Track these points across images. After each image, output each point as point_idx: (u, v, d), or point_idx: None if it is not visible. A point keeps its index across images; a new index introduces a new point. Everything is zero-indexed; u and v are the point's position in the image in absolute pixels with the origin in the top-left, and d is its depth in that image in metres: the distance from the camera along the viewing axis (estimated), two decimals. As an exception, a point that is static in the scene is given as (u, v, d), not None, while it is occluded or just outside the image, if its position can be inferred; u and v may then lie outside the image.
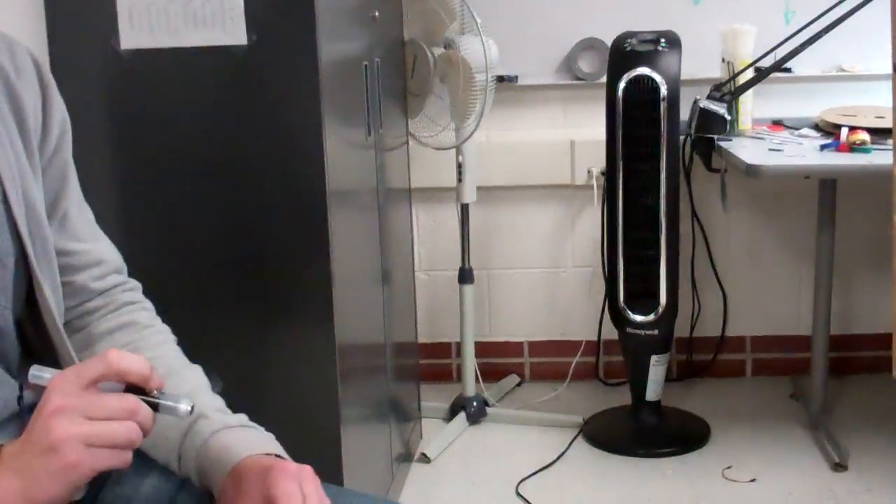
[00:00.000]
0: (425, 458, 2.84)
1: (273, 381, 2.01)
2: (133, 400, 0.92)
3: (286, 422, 2.01)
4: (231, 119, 1.92)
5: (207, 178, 1.94)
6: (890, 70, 2.63)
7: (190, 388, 1.19)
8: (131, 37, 1.90)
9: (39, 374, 0.93)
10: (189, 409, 0.96)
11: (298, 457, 1.99)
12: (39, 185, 1.13)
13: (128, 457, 0.91)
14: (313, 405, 2.01)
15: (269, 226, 1.96)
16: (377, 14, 2.38)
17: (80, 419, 0.89)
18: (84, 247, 1.21)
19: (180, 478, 1.17)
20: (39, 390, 0.93)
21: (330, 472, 2.01)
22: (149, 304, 1.31)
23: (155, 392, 0.95)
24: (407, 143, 2.90)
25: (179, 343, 1.92)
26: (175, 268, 1.98)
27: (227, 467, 1.10)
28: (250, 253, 1.98)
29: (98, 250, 1.24)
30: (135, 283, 1.31)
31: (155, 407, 0.94)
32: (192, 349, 1.97)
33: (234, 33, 1.87)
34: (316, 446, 2.01)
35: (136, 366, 0.93)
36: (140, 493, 1.16)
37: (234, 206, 1.95)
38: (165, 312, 1.95)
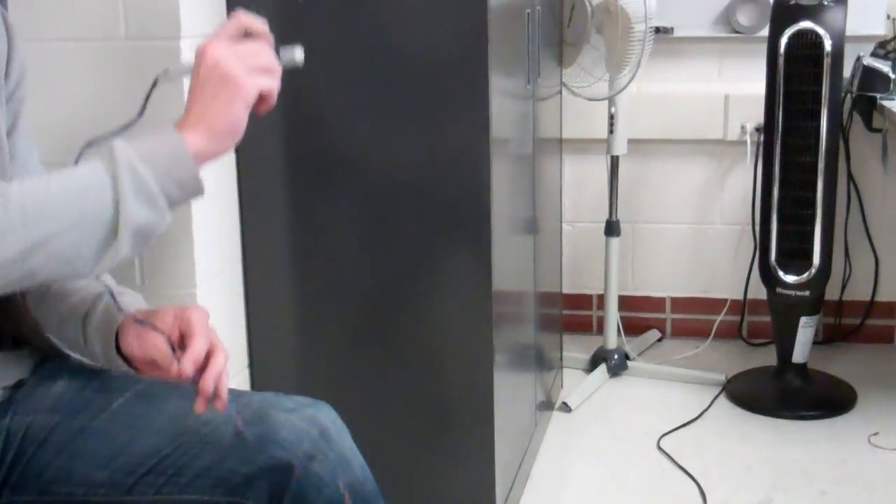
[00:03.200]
0: (566, 408, 2.86)
1: (428, 324, 2.05)
2: (262, 43, 1.14)
3: (442, 366, 2.07)
4: (402, 64, 1.94)
5: (371, 120, 1.97)
6: None
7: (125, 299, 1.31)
8: (305, -21, 1.93)
9: (180, 67, 1.19)
10: (302, 55, 1.18)
11: (453, 399, 2.05)
12: (3, 119, 1.27)
13: (274, 84, 1.12)
14: (468, 349, 2.04)
15: (430, 170, 1.98)
16: (540, -39, 2.38)
17: (234, 56, 1.10)
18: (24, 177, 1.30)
19: (86, 377, 1.31)
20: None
21: (483, 415, 2.06)
22: None
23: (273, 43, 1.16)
24: (560, 92, 2.89)
25: (342, 285, 1.99)
26: (336, 210, 2.02)
27: (131, 308, 1.28)
28: (410, 196, 2.00)
29: None
30: None
31: (276, 52, 1.16)
32: (348, 289, 2.03)
33: (407, -21, 1.89)
34: (470, 390, 2.05)
35: (259, 23, 1.15)
36: (51, 392, 1.28)
37: (400, 148, 1.98)
38: (329, 252, 2.02)
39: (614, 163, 3.04)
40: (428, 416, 2.08)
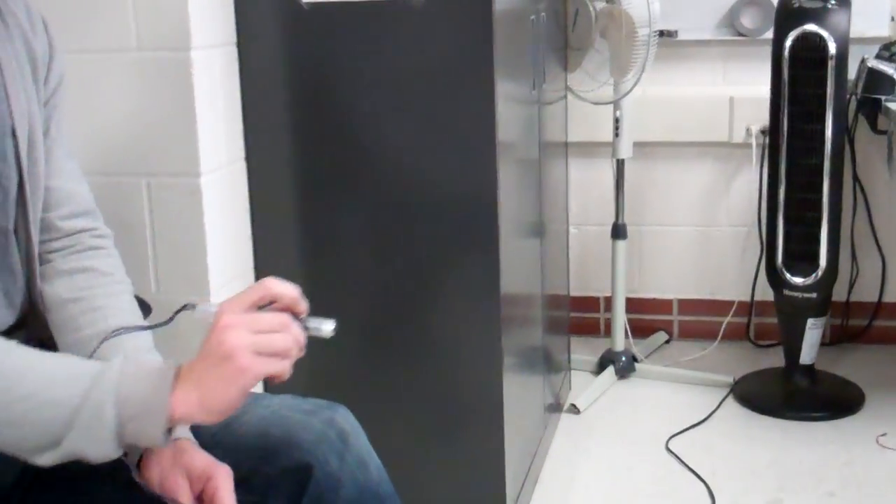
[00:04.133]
0: (575, 410, 2.88)
1: (438, 328, 2.07)
2: (287, 317, 1.08)
3: (451, 369, 2.09)
4: (409, 70, 1.96)
5: (380, 127, 1.99)
6: None
7: (134, 346, 1.28)
8: (314, -7, 1.96)
9: (205, 307, 1.10)
10: (332, 327, 1.11)
11: (463, 401, 2.07)
12: (41, 126, 1.28)
13: (287, 366, 1.06)
14: (477, 352, 2.06)
15: (438, 176, 2.00)
16: (545, -32, 2.40)
17: (247, 332, 1.04)
18: (58, 183, 1.32)
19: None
20: None
21: (492, 417, 2.08)
22: (115, 252, 1.40)
23: (302, 315, 1.10)
24: (565, 97, 2.91)
25: (353, 292, 2.01)
26: (346, 216, 2.04)
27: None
28: (418, 201, 2.02)
29: (70, 190, 1.35)
30: (106, 231, 1.40)
31: (304, 327, 1.10)
32: (358, 296, 2.05)
33: (415, -13, 1.91)
34: (479, 392, 2.07)
35: (289, 291, 1.09)
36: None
37: (408, 153, 2.00)
38: (339, 257, 2.04)
39: (620, 166, 3.06)
40: (438, 418, 2.10)
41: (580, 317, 3.40)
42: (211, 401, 1.04)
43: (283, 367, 1.06)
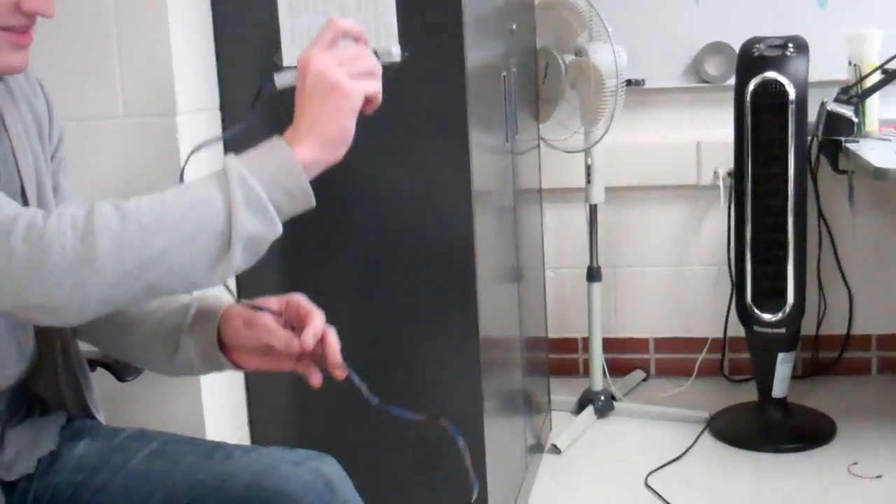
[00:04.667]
0: (556, 450, 2.96)
1: (419, 374, 2.14)
2: (362, 46, 1.19)
3: (433, 412, 2.15)
4: (387, 126, 2.04)
5: (360, 183, 2.07)
6: None
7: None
8: (293, 54, 2.04)
9: (282, 76, 1.21)
10: (399, 50, 1.24)
11: (444, 447, 2.13)
12: (50, 181, 1.36)
13: (378, 86, 1.17)
14: (458, 397, 2.13)
15: (417, 226, 2.08)
16: (514, 27, 2.51)
17: (336, 64, 1.14)
18: None
19: (107, 436, 1.39)
20: None
21: (474, 461, 2.14)
22: None
23: (368, 45, 1.20)
24: (538, 146, 3.01)
25: (344, 346, 2.08)
26: (327, 267, 2.12)
27: (226, 303, 1.36)
28: (399, 251, 2.11)
29: None
30: None
31: (375, 54, 1.20)
32: (342, 343, 2.13)
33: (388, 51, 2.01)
34: (461, 436, 2.14)
35: (354, 25, 1.19)
36: (75, 453, 1.37)
37: (387, 204, 2.08)
38: (321, 307, 2.11)
39: (593, 211, 3.16)
40: (421, 463, 2.16)
41: (559, 358, 3.49)
42: (330, 133, 1.12)
43: (376, 86, 1.17)
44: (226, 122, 2.07)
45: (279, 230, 1.10)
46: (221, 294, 1.36)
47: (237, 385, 2.14)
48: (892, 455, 2.82)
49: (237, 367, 1.35)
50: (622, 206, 3.41)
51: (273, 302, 1.33)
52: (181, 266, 1.07)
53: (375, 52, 1.19)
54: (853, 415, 3.10)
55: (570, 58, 2.95)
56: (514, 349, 2.61)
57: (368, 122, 2.05)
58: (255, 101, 1.24)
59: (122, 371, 1.60)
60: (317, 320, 1.28)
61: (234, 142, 1.26)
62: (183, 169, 1.24)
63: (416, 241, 2.10)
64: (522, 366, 2.69)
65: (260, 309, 1.31)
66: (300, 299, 1.32)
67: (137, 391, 1.73)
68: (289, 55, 2.04)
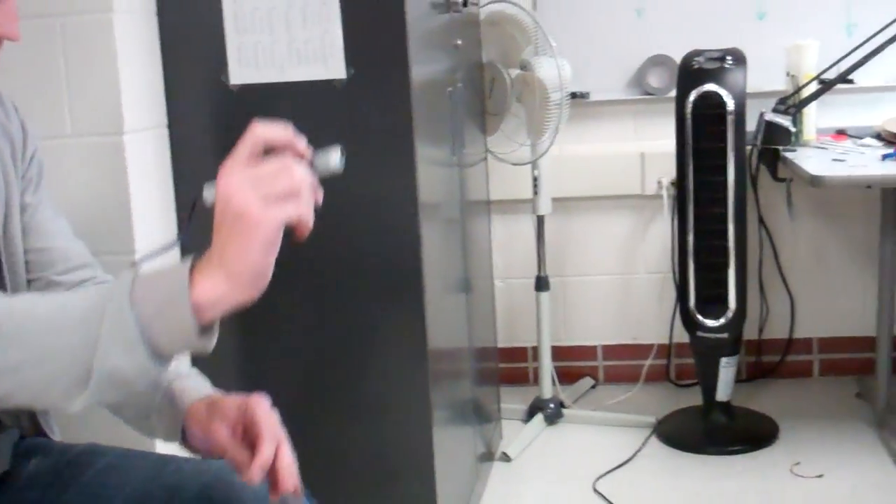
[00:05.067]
0: (506, 458, 3.00)
1: (369, 387, 2.17)
2: (284, 159, 0.99)
3: (381, 425, 2.20)
4: (333, 143, 2.08)
5: (309, 199, 2.11)
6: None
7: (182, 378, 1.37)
8: (240, 73, 2.08)
9: (208, 191, 1.01)
10: (339, 156, 1.06)
11: (395, 455, 2.17)
12: (18, 199, 1.36)
13: (304, 207, 0.99)
14: (407, 408, 2.16)
15: (365, 239, 2.12)
16: (459, 42, 2.55)
17: (249, 184, 0.97)
18: (50, 244, 1.41)
19: (59, 452, 1.40)
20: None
21: (424, 470, 2.19)
22: None
23: (306, 153, 1.04)
24: (486, 159, 3.06)
25: (286, 355, 2.11)
26: (275, 281, 2.15)
27: (196, 396, 1.33)
28: (347, 265, 2.14)
29: (64, 247, 1.43)
30: (106, 277, 1.47)
31: (309, 163, 1.03)
32: (292, 358, 2.16)
33: (335, 68, 2.05)
34: (410, 446, 2.18)
35: (279, 131, 1.02)
36: (27, 470, 1.38)
37: (331, 222, 2.10)
38: (268, 320, 2.15)
39: (540, 221, 3.21)
40: (372, 473, 2.20)
41: (509, 367, 3.54)
42: (237, 270, 0.97)
43: (298, 210, 0.98)
44: (173, 141, 2.10)
45: (153, 372, 0.98)
46: (193, 376, 1.39)
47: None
48: (833, 455, 2.90)
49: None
50: (569, 216, 3.47)
51: (227, 410, 1.28)
52: (33, 386, 0.98)
53: (311, 163, 1.03)
54: (795, 416, 3.18)
55: (515, 72, 3.00)
56: (464, 359, 2.66)
57: (316, 142, 2.10)
58: (190, 216, 1.13)
59: None
60: (265, 450, 1.21)
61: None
62: None
63: (364, 255, 2.13)
64: (472, 376, 2.73)
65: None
66: (257, 411, 1.26)
67: (90, 407, 1.75)
68: (235, 73, 2.07)
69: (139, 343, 0.95)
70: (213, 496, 1.32)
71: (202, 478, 1.35)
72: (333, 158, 1.05)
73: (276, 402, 1.33)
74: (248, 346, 2.18)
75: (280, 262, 2.12)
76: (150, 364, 0.97)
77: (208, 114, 2.12)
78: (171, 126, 2.11)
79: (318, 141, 2.06)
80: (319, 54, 2.04)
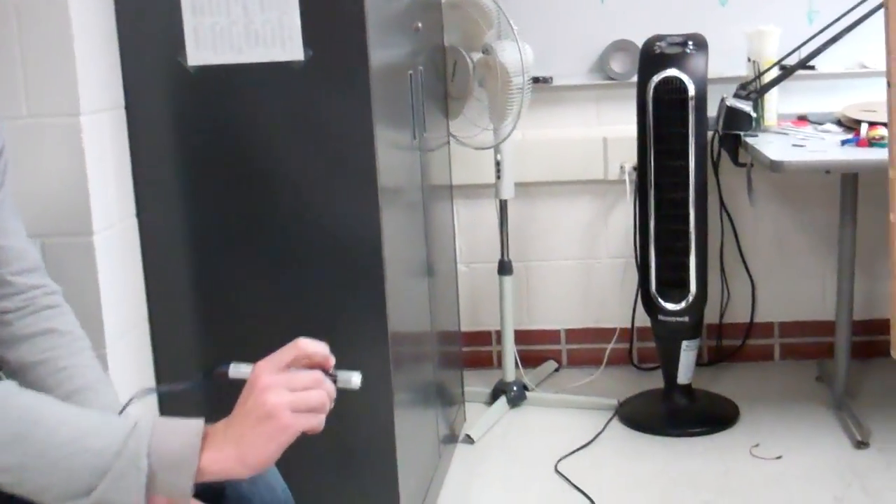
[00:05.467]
0: (469, 440, 3.02)
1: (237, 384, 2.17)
2: (319, 374, 1.15)
3: (341, 407, 2.18)
4: (290, 128, 2.09)
5: (268, 181, 2.11)
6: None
7: (102, 404, 1.38)
8: (197, 54, 2.07)
9: (239, 368, 1.18)
10: (359, 379, 1.20)
11: (357, 438, 2.18)
12: None
13: (321, 420, 1.14)
14: (368, 392, 2.15)
15: (325, 223, 2.12)
16: (420, 25, 2.55)
17: (285, 391, 1.11)
18: (8, 242, 1.40)
19: None
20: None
21: (385, 452, 2.19)
22: (67, 308, 1.48)
23: (331, 370, 1.19)
24: (448, 143, 3.07)
25: (247, 338, 2.11)
26: (236, 265, 2.15)
27: None
28: (307, 250, 2.14)
29: (20, 248, 1.43)
30: (55, 287, 1.47)
31: (333, 380, 1.18)
32: (252, 342, 2.16)
33: (292, 50, 2.04)
34: (371, 430, 2.18)
35: (320, 349, 1.17)
36: None
37: (292, 207, 2.12)
38: (229, 306, 2.15)
39: (503, 206, 3.22)
40: (332, 455, 2.20)
41: (473, 350, 3.55)
42: (251, 457, 1.10)
43: (319, 422, 1.13)
44: (131, 122, 2.09)
45: None
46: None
47: (148, 382, 2.15)
48: (792, 437, 2.94)
49: None
50: (532, 201, 3.48)
51: None
52: (29, 488, 1.08)
53: (335, 378, 1.18)
54: (756, 399, 3.21)
55: (477, 56, 3.00)
56: (426, 343, 2.66)
57: (275, 125, 2.10)
58: (205, 379, 1.22)
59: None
60: None
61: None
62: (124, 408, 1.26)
63: (324, 239, 2.13)
64: (435, 359, 2.74)
65: None
66: None
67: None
68: (193, 54, 2.06)
69: (141, 491, 1.07)
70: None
71: None
72: (355, 380, 1.21)
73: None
74: (208, 332, 2.18)
75: (240, 247, 2.13)
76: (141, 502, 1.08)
77: (166, 95, 2.11)
78: (128, 107, 2.10)
79: (276, 125, 2.08)
80: (277, 36, 2.04)
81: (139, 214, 2.12)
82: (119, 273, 2.03)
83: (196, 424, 1.12)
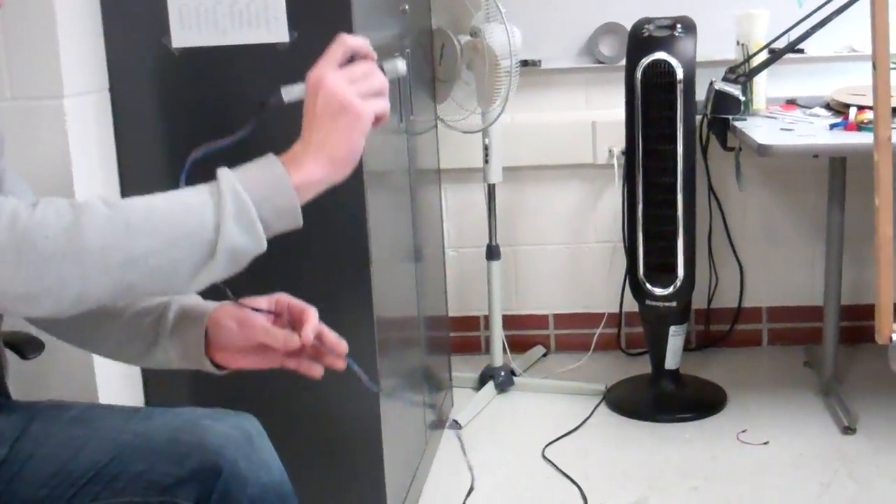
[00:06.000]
0: (457, 425, 3.01)
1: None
2: (371, 63, 1.20)
3: (328, 392, 2.19)
4: (274, 110, 2.06)
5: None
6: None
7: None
8: (182, 36, 2.05)
9: (290, 90, 1.22)
10: (404, 63, 1.25)
11: (342, 425, 2.17)
12: None
13: (387, 103, 1.18)
14: (355, 377, 2.15)
15: (309, 207, 2.10)
16: (407, 7, 2.53)
17: (348, 83, 1.15)
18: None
19: (23, 409, 1.40)
20: None
21: (371, 439, 2.19)
22: None
23: (376, 59, 1.22)
24: (436, 126, 3.05)
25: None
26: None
27: (209, 306, 1.39)
28: (293, 233, 2.12)
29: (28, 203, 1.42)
30: None
31: (381, 68, 1.21)
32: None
33: (277, 31, 2.02)
34: (357, 416, 2.17)
35: (363, 42, 1.20)
36: None
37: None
38: (215, 291, 2.13)
39: (491, 190, 3.21)
40: (319, 441, 2.19)
41: (462, 336, 3.54)
42: (339, 153, 1.14)
43: (386, 105, 1.18)
44: (115, 104, 2.07)
45: (264, 246, 1.13)
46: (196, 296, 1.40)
47: (134, 373, 2.14)
48: (779, 422, 2.94)
49: (219, 367, 1.38)
50: (520, 185, 3.47)
51: (263, 302, 1.36)
52: (163, 270, 1.08)
53: (382, 68, 1.21)
54: (743, 385, 3.21)
55: (465, 39, 2.98)
56: (413, 328, 2.65)
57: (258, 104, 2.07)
58: (260, 113, 1.24)
59: (25, 348, 1.61)
60: (312, 317, 1.33)
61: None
62: (182, 178, 1.24)
63: (310, 223, 2.09)
64: (422, 344, 2.73)
65: (256, 310, 1.34)
66: (289, 298, 1.36)
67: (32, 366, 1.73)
68: (177, 36, 2.04)
69: (256, 222, 1.10)
70: (184, 438, 1.33)
71: (173, 422, 1.36)
72: (400, 66, 1.25)
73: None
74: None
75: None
76: (265, 241, 1.12)
77: (150, 77, 2.09)
78: (112, 89, 2.08)
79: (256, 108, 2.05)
80: (262, 17, 2.02)
81: (124, 197, 2.10)
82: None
83: (269, 156, 1.15)
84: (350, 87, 1.15)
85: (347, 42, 1.19)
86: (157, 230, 1.07)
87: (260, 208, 1.10)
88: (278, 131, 1.28)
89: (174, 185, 2.06)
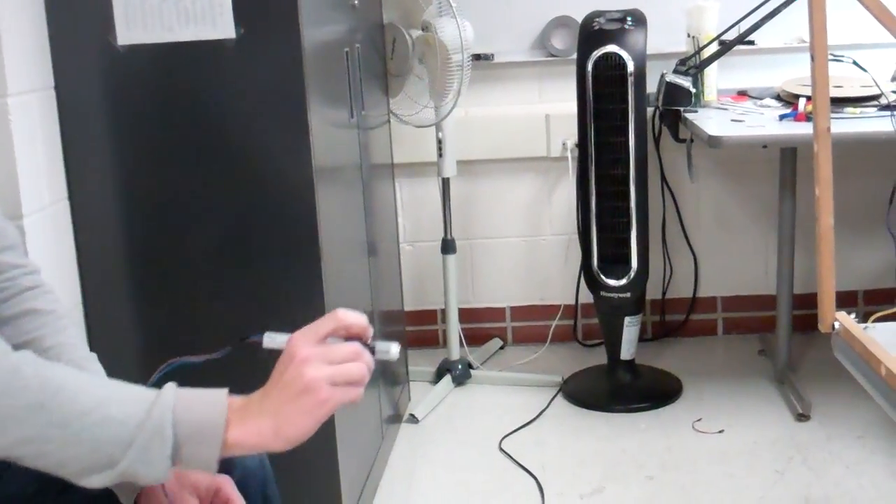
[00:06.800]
0: (414, 419, 3.01)
1: (265, 353, 2.16)
2: (358, 346, 1.12)
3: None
4: (222, 107, 2.06)
5: (201, 162, 2.08)
6: (849, 41, 2.81)
7: None
8: (127, 33, 2.03)
9: (273, 337, 1.15)
10: (398, 349, 1.17)
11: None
12: None
13: (360, 392, 1.11)
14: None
15: (260, 204, 2.10)
16: (357, 2, 2.52)
17: (323, 364, 1.08)
18: None
19: None
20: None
21: (324, 436, 2.16)
22: (48, 287, 1.44)
23: (369, 340, 1.16)
24: (388, 121, 3.04)
25: (183, 321, 2.09)
26: (171, 247, 2.12)
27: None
28: (243, 230, 2.12)
29: None
30: (35, 266, 1.44)
31: (371, 351, 1.15)
32: (189, 324, 2.13)
33: (223, 28, 2.01)
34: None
35: (358, 320, 1.15)
36: None
37: (226, 187, 2.09)
38: (165, 288, 2.12)
39: (446, 184, 3.21)
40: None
41: (419, 330, 3.54)
42: (287, 430, 1.07)
43: (358, 394, 1.11)
44: (61, 103, 2.05)
45: (164, 480, 1.07)
46: None
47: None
48: (735, 411, 2.97)
49: None
50: (475, 178, 3.47)
51: (201, 485, 1.30)
52: (50, 460, 1.04)
53: (373, 349, 1.15)
54: (699, 374, 3.24)
55: (417, 33, 2.98)
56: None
57: (206, 103, 2.07)
58: (237, 345, 1.18)
59: None
60: None
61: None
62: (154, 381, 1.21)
63: (260, 219, 2.11)
64: (377, 339, 2.72)
65: None
66: (230, 494, 1.31)
67: None
68: (123, 33, 2.02)
69: (166, 461, 1.04)
70: None
71: None
72: (394, 351, 1.17)
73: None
74: (143, 315, 2.15)
75: (174, 228, 2.09)
76: (164, 477, 1.05)
77: (96, 75, 2.07)
78: (58, 88, 2.05)
79: (208, 104, 2.05)
80: (208, 14, 2.01)
81: (71, 197, 2.08)
82: (51, 256, 1.99)
83: (221, 394, 1.10)
84: (323, 369, 1.08)
85: (340, 318, 1.13)
86: (67, 424, 1.03)
87: (180, 446, 1.06)
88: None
89: (119, 185, 2.06)
